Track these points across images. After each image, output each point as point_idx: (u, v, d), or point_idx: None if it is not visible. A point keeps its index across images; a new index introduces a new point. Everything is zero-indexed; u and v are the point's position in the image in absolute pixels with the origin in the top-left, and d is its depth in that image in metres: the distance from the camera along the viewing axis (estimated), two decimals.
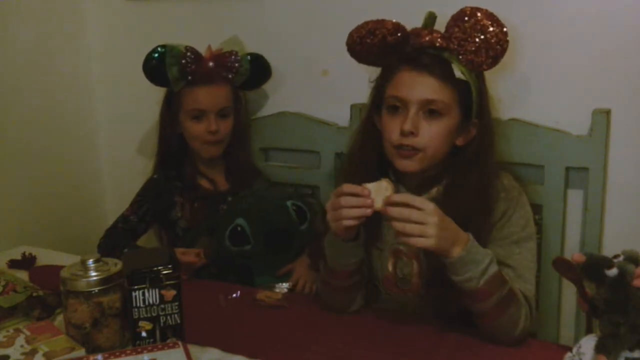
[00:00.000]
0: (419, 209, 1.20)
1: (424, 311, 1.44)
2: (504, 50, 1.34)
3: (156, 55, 1.79)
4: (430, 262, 1.32)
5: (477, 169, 1.37)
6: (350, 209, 1.24)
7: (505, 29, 1.33)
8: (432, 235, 1.18)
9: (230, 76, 1.82)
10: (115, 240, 1.81)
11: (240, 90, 1.91)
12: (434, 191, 1.42)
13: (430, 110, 1.34)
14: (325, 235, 1.40)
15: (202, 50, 1.83)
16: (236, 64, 1.82)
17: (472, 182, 1.36)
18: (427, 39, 1.34)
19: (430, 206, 1.20)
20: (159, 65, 1.78)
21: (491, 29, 1.32)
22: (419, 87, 1.34)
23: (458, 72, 1.32)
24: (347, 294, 1.44)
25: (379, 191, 1.24)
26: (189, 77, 1.77)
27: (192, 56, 1.77)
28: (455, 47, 1.34)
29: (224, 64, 1.81)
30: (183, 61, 1.76)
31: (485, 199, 1.36)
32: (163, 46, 1.79)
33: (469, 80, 1.34)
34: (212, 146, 1.83)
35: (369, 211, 1.24)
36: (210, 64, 1.80)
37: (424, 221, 1.19)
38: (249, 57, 1.86)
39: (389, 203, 1.21)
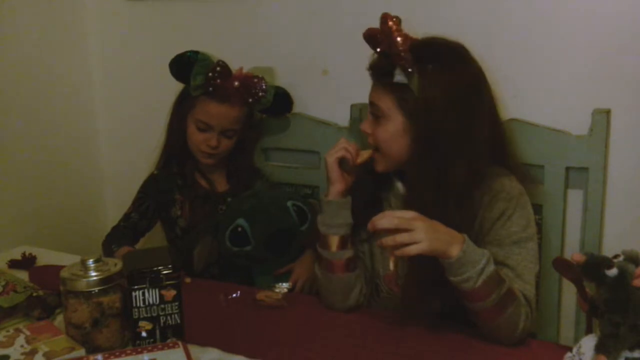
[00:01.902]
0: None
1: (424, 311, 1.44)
2: (409, 61, 1.31)
3: (187, 58, 1.78)
4: (413, 262, 1.33)
5: (429, 162, 1.35)
6: (345, 151, 1.46)
7: (401, 39, 1.31)
8: (421, 239, 1.21)
9: (250, 100, 1.80)
10: (116, 239, 1.81)
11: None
12: (398, 186, 1.48)
13: (375, 114, 1.41)
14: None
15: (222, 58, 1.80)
16: (260, 93, 1.79)
17: (425, 175, 1.35)
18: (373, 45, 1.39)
19: (410, 213, 1.25)
20: (186, 69, 1.77)
21: (398, 38, 1.31)
22: (371, 91, 1.42)
23: (398, 76, 1.33)
24: (344, 280, 1.45)
25: (364, 154, 1.47)
26: (210, 89, 1.76)
27: (221, 71, 1.76)
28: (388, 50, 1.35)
29: (248, 87, 1.79)
30: (210, 74, 1.75)
31: (449, 193, 1.33)
32: (196, 52, 1.78)
33: (409, 83, 1.33)
34: (207, 157, 1.83)
35: (356, 154, 1.46)
36: (236, 83, 1.77)
37: (409, 227, 1.22)
38: (274, 90, 1.84)
39: (374, 229, 1.26)
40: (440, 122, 1.33)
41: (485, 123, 1.37)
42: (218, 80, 1.75)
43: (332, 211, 1.45)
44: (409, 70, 1.31)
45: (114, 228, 1.87)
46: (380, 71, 1.39)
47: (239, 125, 1.82)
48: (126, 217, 1.87)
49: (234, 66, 1.81)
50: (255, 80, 1.80)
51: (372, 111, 1.43)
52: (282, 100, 1.87)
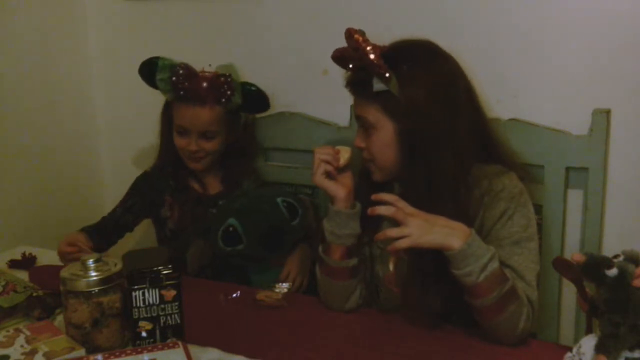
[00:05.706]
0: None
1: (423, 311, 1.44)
2: (383, 67, 1.31)
3: (148, 65, 1.78)
4: (413, 260, 1.34)
5: (421, 157, 1.36)
6: (325, 163, 1.43)
7: (370, 48, 1.31)
8: (410, 233, 1.25)
9: (222, 100, 1.77)
10: (93, 227, 1.82)
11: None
12: (396, 187, 1.48)
13: (365, 127, 1.41)
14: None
15: (201, 61, 1.80)
16: (228, 92, 1.76)
17: (418, 173, 1.36)
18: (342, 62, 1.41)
19: (409, 208, 1.29)
20: (151, 76, 1.77)
21: (367, 47, 1.31)
22: (355, 107, 1.43)
23: (377, 85, 1.34)
24: (344, 286, 1.45)
25: (344, 153, 1.45)
26: (181, 93, 1.74)
27: (184, 73, 1.73)
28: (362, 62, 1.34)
29: (217, 87, 1.76)
30: (173, 78, 1.73)
31: (442, 189, 1.34)
32: (157, 58, 1.77)
33: (391, 88, 1.33)
34: (193, 161, 1.82)
35: (336, 157, 1.43)
36: (204, 84, 1.75)
37: (403, 221, 1.26)
38: (242, 87, 1.80)
39: (373, 214, 1.31)
40: (427, 115, 1.34)
41: (467, 112, 1.38)
42: (186, 83, 1.73)
43: (341, 221, 1.43)
44: (386, 75, 1.31)
45: (102, 218, 1.88)
46: (358, 85, 1.40)
47: (217, 127, 1.79)
48: (112, 211, 1.88)
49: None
50: (222, 79, 1.77)
51: (361, 125, 1.43)
52: (252, 98, 1.83)
